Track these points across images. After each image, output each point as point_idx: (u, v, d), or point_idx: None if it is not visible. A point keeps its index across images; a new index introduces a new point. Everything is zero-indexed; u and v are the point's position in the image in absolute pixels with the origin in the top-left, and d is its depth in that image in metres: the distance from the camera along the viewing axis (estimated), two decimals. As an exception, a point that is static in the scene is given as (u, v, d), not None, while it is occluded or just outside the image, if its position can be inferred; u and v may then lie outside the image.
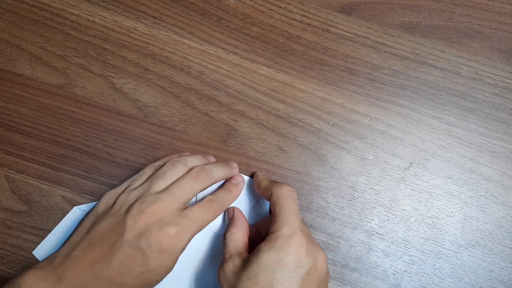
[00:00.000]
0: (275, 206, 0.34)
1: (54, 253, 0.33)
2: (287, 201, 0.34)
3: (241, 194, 0.40)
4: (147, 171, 0.37)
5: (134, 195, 0.34)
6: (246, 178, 0.40)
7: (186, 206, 0.35)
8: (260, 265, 0.31)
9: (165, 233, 0.32)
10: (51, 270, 0.31)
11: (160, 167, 0.37)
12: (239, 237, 0.35)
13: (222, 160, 0.41)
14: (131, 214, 0.32)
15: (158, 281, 0.33)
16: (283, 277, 0.31)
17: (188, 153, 0.40)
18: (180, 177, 0.35)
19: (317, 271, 0.32)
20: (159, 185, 0.35)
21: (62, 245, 0.34)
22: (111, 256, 0.31)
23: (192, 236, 0.34)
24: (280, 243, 0.32)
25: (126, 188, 0.36)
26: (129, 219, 0.32)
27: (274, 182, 0.37)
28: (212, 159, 0.40)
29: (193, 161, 0.37)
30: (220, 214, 0.37)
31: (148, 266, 0.31)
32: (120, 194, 0.35)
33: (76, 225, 0.37)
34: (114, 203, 0.34)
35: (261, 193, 0.37)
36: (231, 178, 0.39)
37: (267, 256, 0.31)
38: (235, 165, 0.40)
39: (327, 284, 0.34)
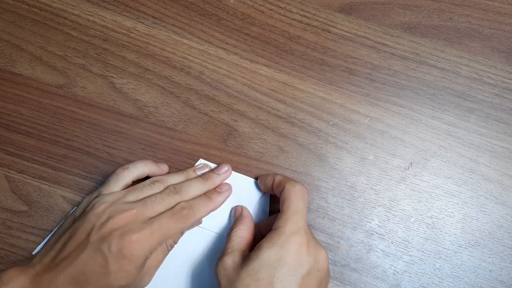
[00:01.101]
0: (284, 202, 0.34)
1: (35, 255, 0.35)
2: (296, 199, 0.34)
3: (242, 193, 0.40)
4: (115, 176, 0.37)
5: (106, 199, 0.35)
6: (249, 179, 0.40)
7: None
8: (261, 262, 0.31)
9: (126, 238, 0.32)
10: (31, 267, 0.33)
11: (128, 170, 0.37)
12: (245, 235, 0.36)
13: (222, 160, 0.41)
14: (101, 218, 0.33)
15: (120, 286, 0.33)
16: (284, 275, 0.31)
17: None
18: (156, 193, 0.36)
19: (318, 270, 0.32)
20: (134, 195, 0.35)
21: (43, 246, 0.36)
22: (77, 255, 0.32)
23: (156, 244, 0.33)
24: (282, 241, 0.32)
25: (98, 191, 0.37)
26: (97, 222, 0.33)
27: (288, 179, 0.37)
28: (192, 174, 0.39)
29: (170, 178, 0.38)
30: (192, 223, 0.35)
31: (108, 269, 0.32)
32: (96, 198, 0.36)
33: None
34: (88, 206, 0.35)
35: (274, 188, 0.37)
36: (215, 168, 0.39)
37: (268, 254, 0.31)
38: (224, 169, 0.39)
39: (328, 283, 0.34)
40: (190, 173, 0.39)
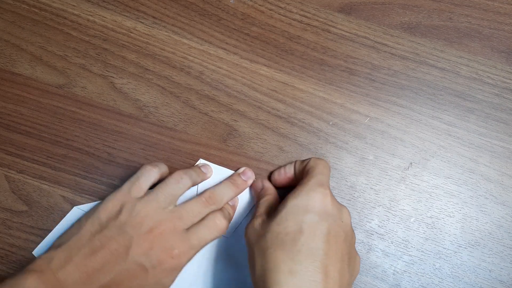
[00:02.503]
0: (309, 168, 0.36)
1: (49, 251, 0.33)
2: (322, 167, 0.36)
3: (243, 194, 0.40)
4: (147, 173, 0.36)
5: (140, 208, 0.34)
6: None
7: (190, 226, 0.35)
8: (288, 210, 0.32)
9: (168, 254, 0.33)
10: (52, 273, 0.31)
11: (157, 166, 0.37)
12: (271, 201, 0.36)
13: (222, 160, 0.41)
14: (139, 230, 0.33)
15: None
16: (311, 221, 0.31)
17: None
18: (190, 200, 0.36)
19: (342, 221, 0.33)
20: (166, 201, 0.35)
21: (58, 245, 0.34)
22: (113, 267, 0.32)
23: (193, 257, 0.35)
24: (307, 190, 0.33)
25: (129, 193, 0.35)
26: (135, 235, 0.33)
27: (309, 158, 0.38)
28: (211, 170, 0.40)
29: (194, 174, 0.38)
30: (223, 233, 0.36)
31: (146, 281, 0.32)
32: (126, 203, 0.34)
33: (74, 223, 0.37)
34: (119, 212, 0.34)
35: (297, 171, 0.38)
36: (240, 173, 0.40)
37: (295, 202, 0.32)
38: (249, 173, 0.39)
39: (353, 242, 0.34)
40: (200, 167, 0.39)
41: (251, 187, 0.40)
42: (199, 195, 0.37)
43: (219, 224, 0.35)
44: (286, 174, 0.39)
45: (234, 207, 0.39)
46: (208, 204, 0.36)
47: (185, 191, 0.36)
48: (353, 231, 0.34)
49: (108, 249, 0.32)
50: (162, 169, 0.37)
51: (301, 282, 0.29)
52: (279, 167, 0.40)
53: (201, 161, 0.40)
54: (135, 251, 0.32)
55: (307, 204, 0.32)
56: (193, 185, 0.37)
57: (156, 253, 0.33)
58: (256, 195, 0.39)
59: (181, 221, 0.34)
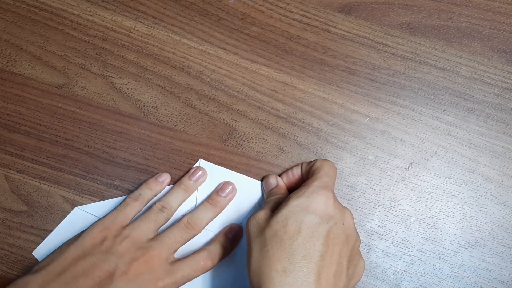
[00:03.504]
0: (315, 169, 0.36)
1: (27, 276, 0.33)
2: (328, 168, 0.36)
3: (243, 194, 0.40)
4: (132, 203, 0.37)
5: (125, 236, 0.35)
6: (251, 180, 0.40)
7: (175, 260, 0.36)
8: (290, 209, 0.32)
9: (153, 285, 0.33)
10: None
11: (141, 196, 0.38)
12: (281, 202, 0.36)
13: (222, 160, 0.41)
14: (123, 258, 0.34)
15: None
16: (311, 222, 0.31)
17: (165, 178, 0.39)
18: (171, 227, 0.37)
19: (344, 224, 0.33)
20: (149, 230, 0.36)
21: (37, 269, 0.34)
22: None
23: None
24: (310, 192, 0.33)
25: (114, 221, 0.36)
26: (120, 263, 0.33)
27: (316, 159, 0.39)
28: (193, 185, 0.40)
29: (174, 198, 0.38)
30: (209, 269, 0.37)
31: None
32: (111, 231, 0.35)
33: (57, 248, 0.37)
34: (103, 240, 0.35)
35: (305, 172, 0.38)
36: (219, 189, 0.39)
37: (297, 202, 0.32)
38: (228, 189, 0.39)
39: (358, 246, 0.34)
40: (187, 183, 0.39)
41: (263, 183, 0.39)
42: (178, 220, 0.37)
43: (203, 265, 0.36)
44: (294, 176, 0.39)
45: (234, 243, 0.39)
46: (188, 229, 0.36)
47: (168, 220, 0.37)
48: (357, 234, 0.34)
49: (91, 276, 0.32)
50: (146, 198, 0.38)
51: (294, 281, 0.29)
52: (286, 170, 0.40)
53: (201, 161, 0.40)
54: (119, 279, 0.33)
55: (308, 206, 0.32)
56: (178, 206, 0.38)
57: (140, 283, 0.33)
58: (267, 192, 0.38)
59: (165, 248, 0.35)
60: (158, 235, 0.36)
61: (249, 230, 0.33)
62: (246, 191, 0.40)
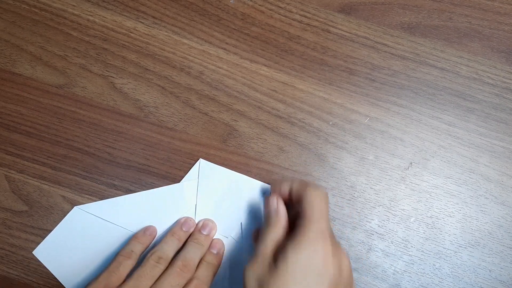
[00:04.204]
0: (307, 206, 0.33)
1: None
2: (320, 203, 0.34)
3: (243, 194, 0.40)
4: (124, 262, 0.37)
5: None
6: (253, 180, 0.40)
7: None
8: (289, 267, 0.31)
9: None
10: None
11: (133, 252, 0.37)
12: (279, 239, 0.34)
13: (222, 160, 0.41)
14: None
15: None
16: (311, 283, 0.31)
17: (152, 230, 0.39)
18: (165, 275, 0.36)
19: (342, 276, 0.32)
20: (148, 286, 0.35)
21: None
22: None
23: None
24: (307, 244, 0.32)
25: (108, 281, 0.36)
26: None
27: (307, 183, 0.35)
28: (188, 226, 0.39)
29: (170, 248, 0.38)
30: None
31: None
32: None
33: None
34: None
35: (293, 195, 0.36)
36: (200, 227, 0.39)
37: (296, 258, 0.31)
38: (209, 226, 0.39)
39: (352, 286, 0.34)
40: (178, 232, 0.39)
41: (265, 202, 0.37)
42: (171, 265, 0.36)
43: None
44: (280, 192, 0.37)
45: (219, 256, 0.39)
46: (183, 272, 0.36)
47: (162, 270, 0.37)
48: (352, 276, 0.34)
49: None
50: (139, 253, 0.38)
51: None
52: (277, 180, 0.38)
53: (201, 161, 0.40)
54: None
55: (309, 264, 0.31)
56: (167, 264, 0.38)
57: None
58: (266, 217, 0.36)
59: None
60: (154, 285, 0.35)
61: (246, 283, 0.33)
62: (246, 191, 0.40)
